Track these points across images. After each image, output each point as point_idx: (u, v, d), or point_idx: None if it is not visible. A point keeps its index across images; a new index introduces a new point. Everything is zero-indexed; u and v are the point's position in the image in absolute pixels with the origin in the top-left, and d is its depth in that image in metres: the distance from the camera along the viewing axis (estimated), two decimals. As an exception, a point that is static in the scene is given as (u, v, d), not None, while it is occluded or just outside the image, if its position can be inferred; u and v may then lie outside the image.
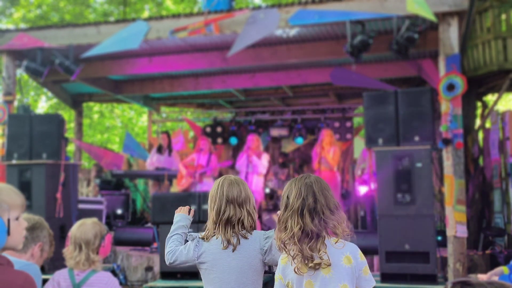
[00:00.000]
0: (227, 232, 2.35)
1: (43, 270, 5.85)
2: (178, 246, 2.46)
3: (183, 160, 9.02)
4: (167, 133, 9.21)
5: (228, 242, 2.34)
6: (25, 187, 5.86)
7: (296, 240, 2.04)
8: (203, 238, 2.43)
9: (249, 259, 2.35)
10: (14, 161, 6.29)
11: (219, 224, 2.38)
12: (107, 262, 6.52)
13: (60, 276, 2.82)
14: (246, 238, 2.37)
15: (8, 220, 1.79)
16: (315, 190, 2.09)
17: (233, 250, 2.34)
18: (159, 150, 8.91)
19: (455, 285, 1.37)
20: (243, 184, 2.46)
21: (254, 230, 2.44)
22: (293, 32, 6.76)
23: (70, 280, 2.78)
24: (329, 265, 2.03)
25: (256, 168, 7.94)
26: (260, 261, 2.38)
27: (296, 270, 2.05)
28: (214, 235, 2.39)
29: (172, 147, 9.06)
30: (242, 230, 2.37)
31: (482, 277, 2.76)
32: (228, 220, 2.36)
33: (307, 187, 2.11)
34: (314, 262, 2.02)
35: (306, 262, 2.03)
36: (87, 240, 2.81)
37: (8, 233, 1.77)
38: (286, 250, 2.09)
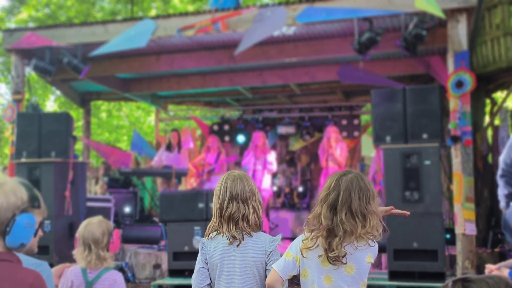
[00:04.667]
0: (231, 229, 2.32)
1: (52, 267, 5.89)
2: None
3: (193, 161, 9.05)
4: (177, 131, 9.23)
5: (234, 237, 2.31)
6: (34, 185, 5.83)
7: (324, 232, 2.09)
8: (207, 236, 2.41)
9: (253, 258, 2.32)
10: (23, 159, 6.33)
11: (222, 221, 2.35)
12: (115, 260, 6.55)
13: (73, 274, 2.83)
14: (250, 235, 2.34)
15: (40, 223, 1.84)
16: (341, 188, 2.10)
17: (238, 246, 2.32)
18: (168, 148, 8.93)
19: (456, 282, 1.36)
20: (247, 180, 2.41)
21: (262, 232, 2.40)
22: (291, 30, 6.72)
23: (83, 278, 2.79)
24: (345, 263, 2.07)
25: (270, 165, 7.97)
26: (262, 265, 2.33)
27: (320, 262, 2.10)
28: (220, 232, 2.37)
29: (182, 145, 9.08)
30: (247, 227, 2.34)
31: (491, 267, 2.73)
32: (231, 216, 2.33)
33: (337, 183, 2.12)
34: (335, 255, 2.06)
35: (329, 254, 2.07)
36: (95, 239, 2.81)
37: (35, 235, 1.81)
38: (313, 237, 2.12)
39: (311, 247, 2.11)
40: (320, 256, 2.10)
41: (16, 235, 1.72)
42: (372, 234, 2.09)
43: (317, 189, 8.72)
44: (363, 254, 2.11)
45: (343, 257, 2.06)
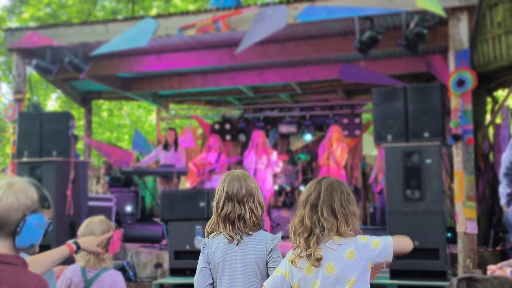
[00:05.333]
0: (227, 228, 2.32)
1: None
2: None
3: (193, 160, 9.05)
4: (173, 129, 9.23)
5: (231, 237, 2.32)
6: (35, 185, 5.89)
7: (293, 231, 2.13)
8: (208, 235, 2.41)
9: (254, 256, 2.31)
10: (24, 159, 6.34)
11: (219, 220, 2.35)
12: (116, 259, 6.56)
13: (71, 272, 2.84)
14: (248, 235, 2.33)
15: (49, 223, 1.81)
16: (322, 188, 2.12)
17: (238, 245, 2.32)
18: (165, 147, 8.92)
19: (461, 281, 1.36)
20: (246, 180, 2.37)
21: (262, 231, 2.39)
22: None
23: (82, 276, 2.80)
24: (320, 259, 2.04)
25: (277, 165, 7.99)
26: (264, 263, 2.33)
27: (305, 271, 2.07)
28: (219, 232, 2.37)
29: (179, 143, 9.07)
30: (243, 227, 2.32)
31: (493, 267, 2.72)
32: (226, 216, 2.32)
33: (317, 184, 2.15)
34: (310, 252, 2.05)
35: (306, 255, 2.06)
36: None
37: (45, 235, 1.79)
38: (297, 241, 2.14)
39: (299, 253, 2.10)
40: (295, 255, 2.11)
41: (27, 236, 1.70)
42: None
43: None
44: (342, 251, 2.05)
45: (320, 259, 2.04)
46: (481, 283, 1.33)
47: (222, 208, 2.34)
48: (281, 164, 8.36)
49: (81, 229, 2.89)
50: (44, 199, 1.78)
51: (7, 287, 1.61)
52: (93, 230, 2.84)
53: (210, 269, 2.37)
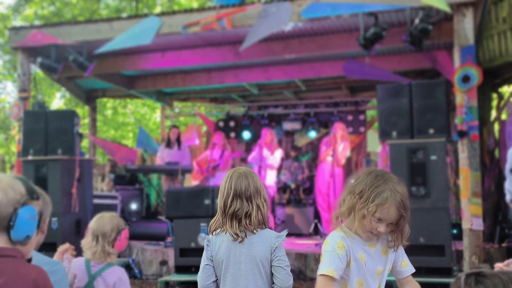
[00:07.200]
0: (233, 226, 2.32)
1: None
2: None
3: (197, 158, 9.04)
4: (177, 127, 9.21)
5: (236, 235, 2.31)
6: (41, 183, 5.93)
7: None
8: (212, 232, 2.41)
9: (259, 254, 2.31)
10: (30, 157, 6.36)
11: (225, 218, 2.35)
12: (122, 256, 6.58)
13: (76, 267, 2.88)
14: (254, 233, 2.32)
15: (40, 214, 1.83)
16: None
17: (240, 242, 2.31)
18: (168, 145, 8.91)
19: (469, 277, 1.33)
20: (253, 177, 2.38)
21: (267, 229, 2.39)
22: (289, 26, 6.67)
23: (86, 271, 2.84)
24: None
25: (265, 161, 7.93)
26: (268, 261, 2.32)
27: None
28: (224, 230, 2.36)
29: (182, 141, 9.06)
30: (249, 225, 2.32)
31: (499, 265, 2.71)
32: (234, 213, 2.32)
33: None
34: None
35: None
36: (104, 232, 2.88)
37: (38, 227, 1.80)
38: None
39: None
40: None
41: (21, 229, 1.72)
42: None
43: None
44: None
45: None
46: (490, 279, 1.30)
47: (230, 206, 2.33)
48: (275, 158, 8.22)
49: (92, 222, 2.95)
50: (32, 191, 1.79)
51: (6, 279, 1.62)
52: (103, 224, 2.89)
53: (213, 267, 2.37)
